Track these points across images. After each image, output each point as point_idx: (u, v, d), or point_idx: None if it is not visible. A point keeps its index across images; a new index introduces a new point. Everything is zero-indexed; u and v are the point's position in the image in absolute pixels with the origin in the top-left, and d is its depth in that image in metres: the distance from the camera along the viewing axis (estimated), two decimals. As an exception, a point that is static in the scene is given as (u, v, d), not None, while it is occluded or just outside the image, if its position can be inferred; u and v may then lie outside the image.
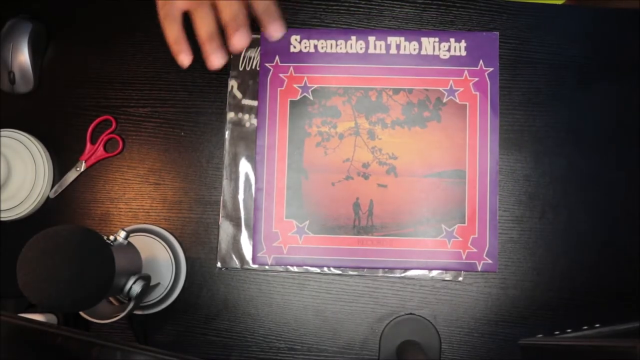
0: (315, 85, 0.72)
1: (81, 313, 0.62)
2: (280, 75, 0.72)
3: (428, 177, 0.70)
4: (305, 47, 0.72)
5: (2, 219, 0.72)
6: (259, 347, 0.71)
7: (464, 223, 0.70)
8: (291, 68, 0.72)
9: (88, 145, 0.73)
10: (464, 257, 0.69)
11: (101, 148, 0.73)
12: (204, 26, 0.49)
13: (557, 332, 0.60)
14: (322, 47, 0.72)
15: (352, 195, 0.70)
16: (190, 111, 0.73)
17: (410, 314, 0.70)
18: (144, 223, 0.73)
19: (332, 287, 0.71)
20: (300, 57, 0.72)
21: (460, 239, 0.69)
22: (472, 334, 0.70)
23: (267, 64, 0.72)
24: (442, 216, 0.70)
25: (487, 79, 0.71)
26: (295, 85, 0.72)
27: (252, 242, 0.71)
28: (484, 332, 0.70)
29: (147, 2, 0.74)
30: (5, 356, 0.44)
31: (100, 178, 0.74)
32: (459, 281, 0.70)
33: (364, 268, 0.70)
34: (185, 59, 0.51)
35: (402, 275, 0.70)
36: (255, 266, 0.71)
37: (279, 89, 0.72)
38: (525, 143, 0.72)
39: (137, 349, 0.45)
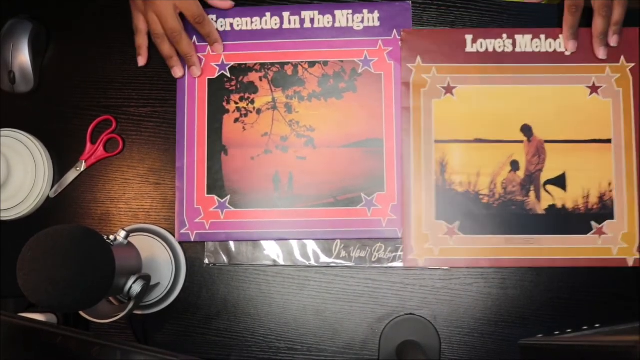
0: (232, 63, 0.72)
1: (81, 313, 0.62)
2: (198, 54, 0.72)
3: (346, 147, 0.71)
4: (222, 26, 0.73)
5: (2, 219, 0.72)
6: (259, 347, 0.71)
7: (383, 191, 0.70)
8: (208, 47, 0.72)
9: (88, 145, 0.73)
10: (384, 225, 0.70)
11: (101, 148, 0.73)
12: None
13: (557, 332, 0.60)
14: (238, 25, 0.73)
15: (271, 168, 0.71)
16: (190, 111, 0.73)
17: (410, 314, 0.70)
18: (144, 223, 0.73)
19: (332, 287, 0.71)
20: None
21: (380, 207, 0.70)
22: (472, 334, 0.70)
23: None
24: (361, 185, 0.70)
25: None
26: (212, 64, 0.72)
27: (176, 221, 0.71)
28: (484, 332, 0.70)
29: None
30: (5, 356, 0.44)
31: (100, 178, 0.74)
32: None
33: (286, 240, 0.70)
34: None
35: (389, 265, 0.70)
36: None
37: None
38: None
39: (137, 349, 0.45)
